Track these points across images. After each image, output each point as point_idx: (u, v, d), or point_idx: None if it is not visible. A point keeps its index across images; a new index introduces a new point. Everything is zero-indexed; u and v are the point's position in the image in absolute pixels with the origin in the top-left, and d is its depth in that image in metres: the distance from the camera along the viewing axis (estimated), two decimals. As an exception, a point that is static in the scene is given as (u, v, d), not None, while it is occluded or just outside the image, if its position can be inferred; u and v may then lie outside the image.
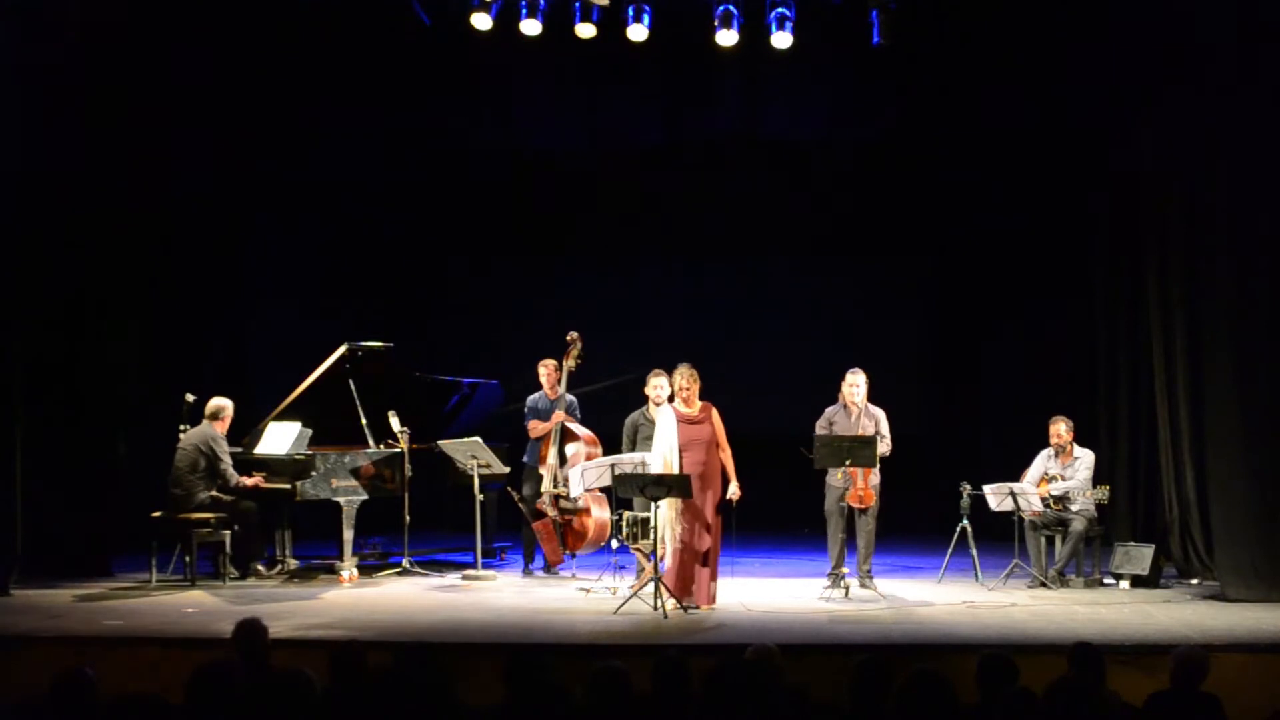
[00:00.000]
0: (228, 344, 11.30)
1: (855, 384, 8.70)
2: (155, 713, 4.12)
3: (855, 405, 8.69)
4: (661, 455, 7.98)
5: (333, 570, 9.10)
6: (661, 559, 7.86)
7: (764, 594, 8.41)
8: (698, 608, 7.85)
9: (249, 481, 8.93)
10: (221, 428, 8.97)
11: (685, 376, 8.07)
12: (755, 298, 12.50)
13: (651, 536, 7.73)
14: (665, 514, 7.89)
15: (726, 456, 8.08)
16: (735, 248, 12.43)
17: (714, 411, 8.14)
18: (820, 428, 8.74)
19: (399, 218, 12.35)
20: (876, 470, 8.56)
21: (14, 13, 8.61)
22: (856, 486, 8.53)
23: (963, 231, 12.10)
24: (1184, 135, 8.68)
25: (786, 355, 12.11)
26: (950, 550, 9.11)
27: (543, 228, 12.40)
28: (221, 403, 9.04)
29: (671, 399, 8.21)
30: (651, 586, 7.64)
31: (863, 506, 8.60)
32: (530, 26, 9.81)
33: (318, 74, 11.13)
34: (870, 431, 8.56)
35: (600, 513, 9.03)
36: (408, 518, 9.36)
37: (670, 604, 7.62)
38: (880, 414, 8.76)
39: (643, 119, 12.25)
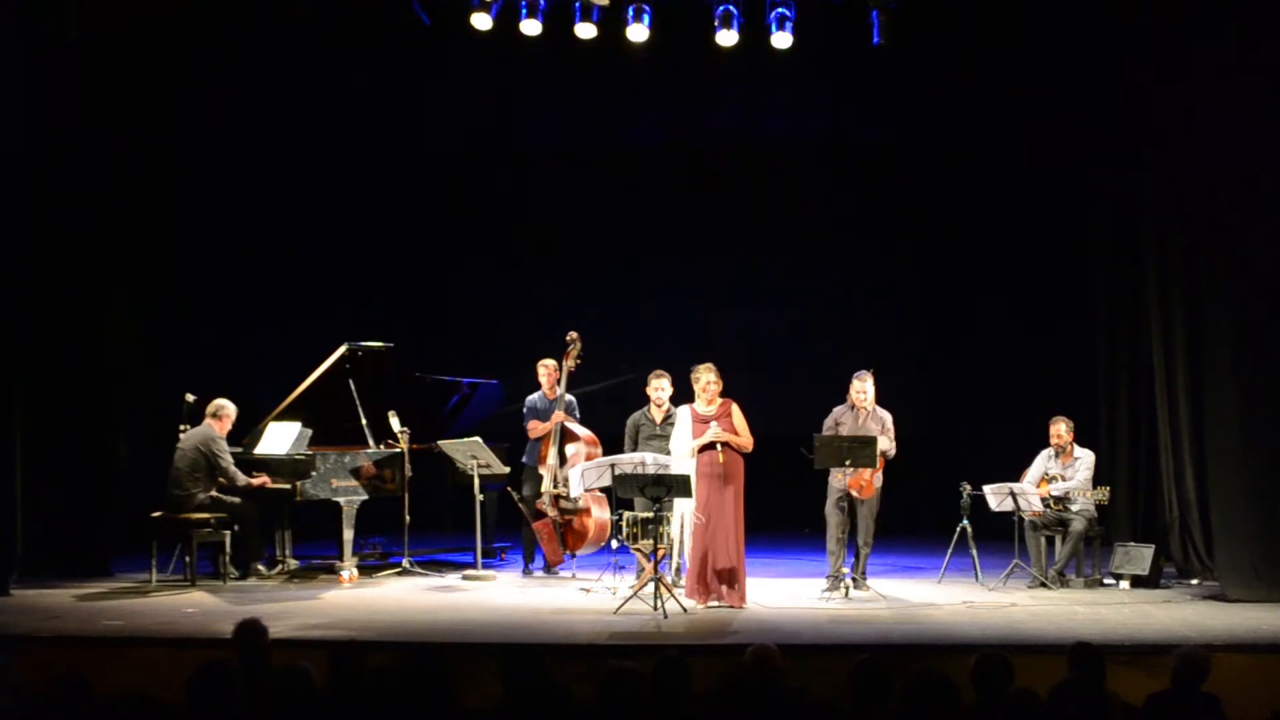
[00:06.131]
0: (228, 344, 11.30)
1: (863, 390, 8.64)
2: (155, 713, 4.12)
3: (864, 408, 8.67)
4: (680, 457, 8.01)
5: (333, 570, 9.10)
6: (662, 558, 7.87)
7: (764, 594, 8.40)
8: (730, 607, 7.87)
9: (255, 481, 8.93)
10: (221, 427, 8.95)
11: (705, 372, 8.14)
12: (755, 297, 12.45)
13: (652, 536, 7.72)
14: (682, 515, 7.92)
15: (739, 440, 8.06)
16: (735, 248, 12.40)
17: (734, 406, 8.15)
18: (827, 427, 8.67)
19: (399, 217, 12.34)
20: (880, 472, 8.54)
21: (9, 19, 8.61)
22: (861, 476, 8.41)
23: (962, 231, 12.08)
24: (1185, 135, 8.67)
25: (786, 355, 12.07)
26: (950, 550, 9.11)
27: (543, 227, 12.38)
28: (223, 402, 9.03)
29: (692, 399, 8.23)
30: (651, 586, 7.64)
31: (861, 497, 8.47)
32: (530, 26, 9.81)
33: (318, 73, 11.14)
34: (876, 433, 8.51)
35: (600, 513, 9.02)
36: (408, 518, 9.35)
37: (670, 604, 7.62)
38: (887, 416, 8.69)
39: (643, 119, 12.25)
